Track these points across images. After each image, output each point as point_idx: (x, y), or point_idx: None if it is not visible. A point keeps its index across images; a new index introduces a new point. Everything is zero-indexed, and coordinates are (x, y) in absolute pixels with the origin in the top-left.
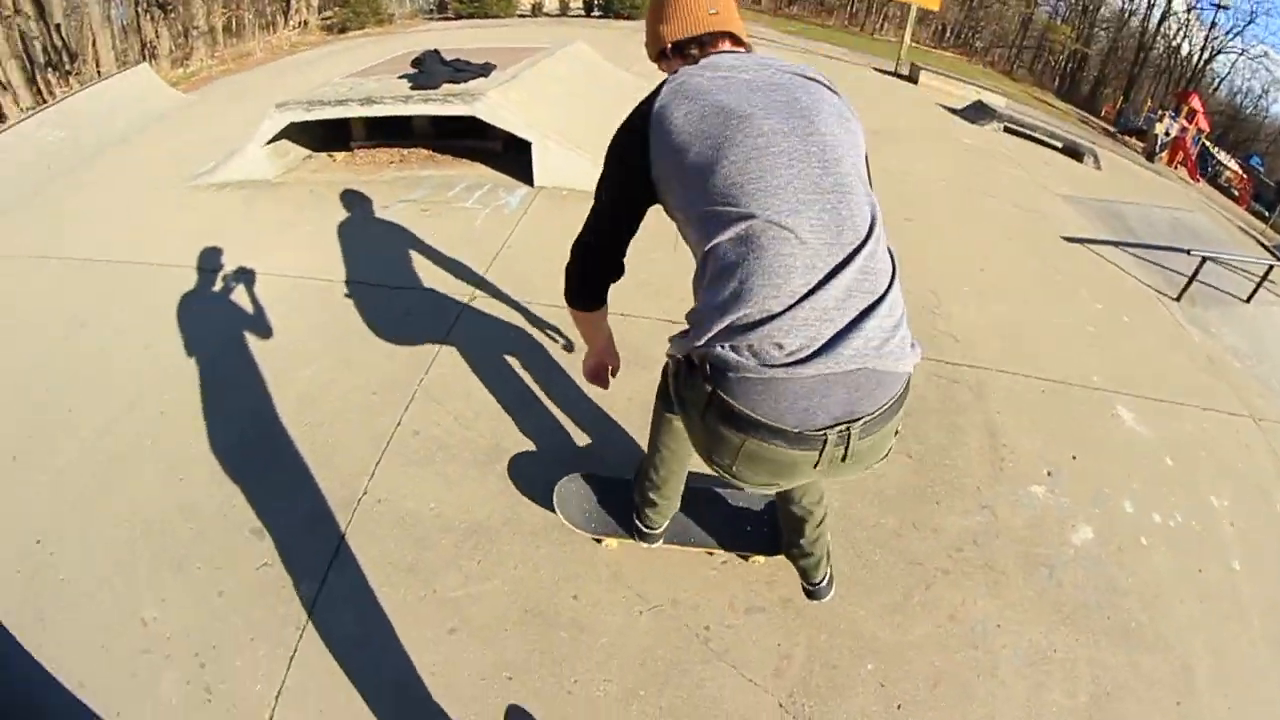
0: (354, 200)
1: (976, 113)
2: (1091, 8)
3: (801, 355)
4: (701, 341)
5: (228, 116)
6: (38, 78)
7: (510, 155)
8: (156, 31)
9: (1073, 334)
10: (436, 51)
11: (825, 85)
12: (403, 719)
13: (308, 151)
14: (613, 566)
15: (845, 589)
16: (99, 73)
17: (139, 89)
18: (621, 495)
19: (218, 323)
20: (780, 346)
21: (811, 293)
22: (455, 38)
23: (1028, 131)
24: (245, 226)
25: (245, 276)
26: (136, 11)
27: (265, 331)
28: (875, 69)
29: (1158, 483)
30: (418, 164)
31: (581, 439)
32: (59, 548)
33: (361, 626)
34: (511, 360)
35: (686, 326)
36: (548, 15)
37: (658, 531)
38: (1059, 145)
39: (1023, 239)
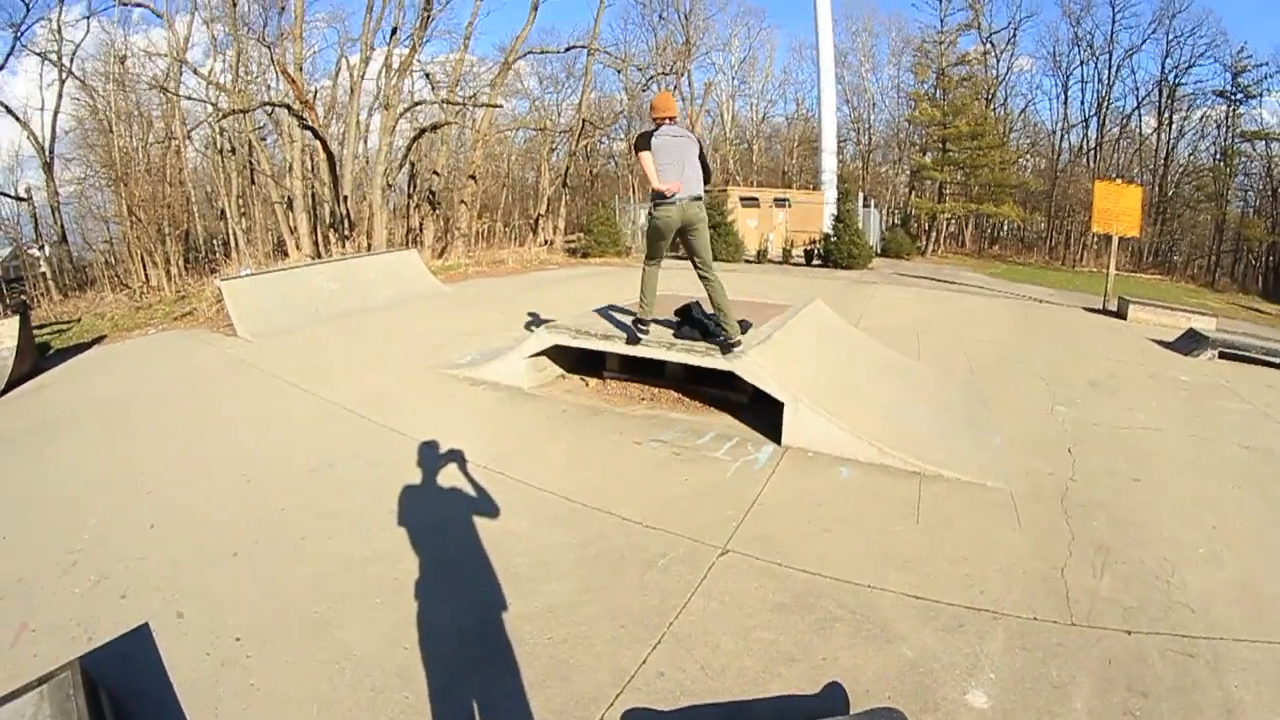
0: (607, 429)
1: (1189, 343)
2: None
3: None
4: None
5: (480, 315)
6: (319, 232)
7: (756, 408)
8: (422, 224)
9: None
10: (699, 304)
11: (689, 137)
12: None
13: (561, 371)
14: None
15: None
16: (369, 245)
17: (407, 269)
18: None
19: (465, 512)
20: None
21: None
22: (689, 279)
23: (1243, 353)
24: (499, 428)
25: (496, 476)
26: (409, 202)
27: (514, 536)
28: (1084, 309)
29: None
30: (667, 405)
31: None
32: (257, 654)
33: None
34: (763, 621)
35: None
36: (771, 262)
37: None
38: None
39: (1252, 484)
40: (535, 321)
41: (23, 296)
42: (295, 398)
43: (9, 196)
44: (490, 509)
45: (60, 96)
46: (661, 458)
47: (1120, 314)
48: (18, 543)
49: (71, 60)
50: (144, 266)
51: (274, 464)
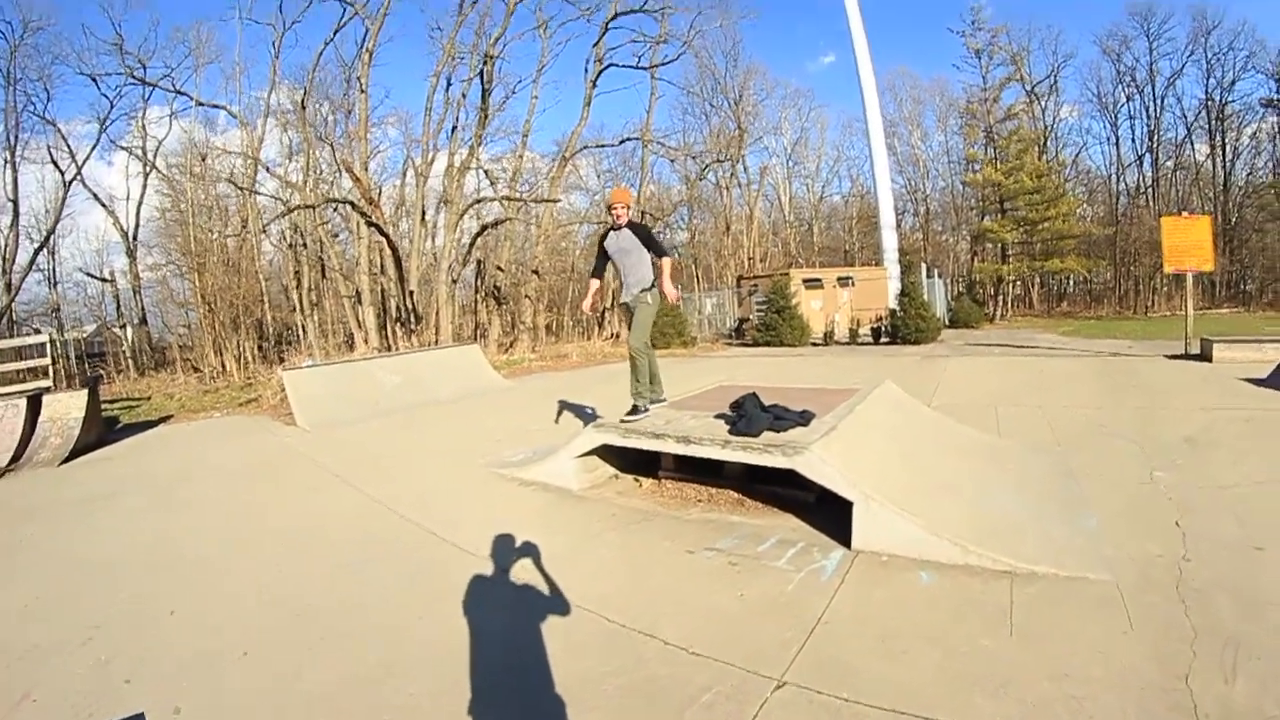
0: (658, 537)
1: None
2: None
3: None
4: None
5: (539, 411)
6: (387, 326)
7: (823, 507)
8: (489, 319)
9: None
10: (755, 395)
11: (630, 231)
12: None
13: (614, 471)
14: None
15: None
16: (436, 339)
17: (468, 364)
18: None
19: (490, 630)
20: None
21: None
22: (755, 366)
23: None
24: (542, 534)
25: (532, 589)
26: (476, 297)
27: (540, 661)
28: (1165, 357)
29: None
30: (726, 507)
31: None
32: None
33: None
34: None
35: (647, 285)
36: (839, 344)
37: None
38: None
39: None
40: (589, 418)
41: (93, 371)
42: (339, 492)
43: (95, 278)
44: (519, 628)
45: (144, 188)
46: (716, 569)
47: (1205, 356)
48: (46, 608)
49: (155, 155)
50: (216, 352)
51: (304, 559)
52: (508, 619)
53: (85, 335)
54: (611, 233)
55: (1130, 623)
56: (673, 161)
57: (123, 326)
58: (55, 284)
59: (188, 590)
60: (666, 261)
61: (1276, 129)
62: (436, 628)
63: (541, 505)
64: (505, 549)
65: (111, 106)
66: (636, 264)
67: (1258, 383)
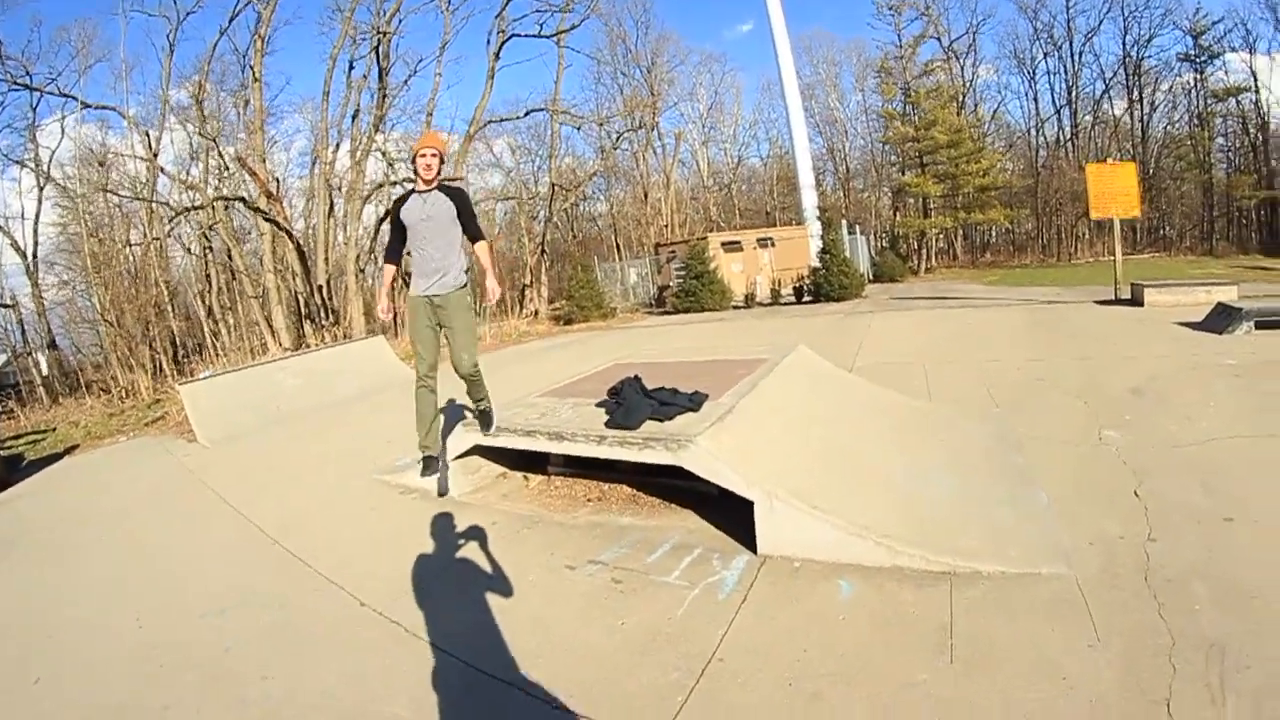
0: (537, 549)
1: (1221, 319)
2: (1260, 142)
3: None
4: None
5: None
6: (302, 325)
7: (728, 502)
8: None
9: None
10: (637, 379)
11: (442, 194)
12: None
13: (501, 469)
14: None
15: None
16: (349, 333)
17: (373, 358)
18: None
19: (338, 685)
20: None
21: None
22: (671, 335)
23: None
24: (412, 553)
25: (390, 627)
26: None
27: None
28: (1096, 302)
29: None
30: (618, 505)
31: None
32: None
33: None
34: None
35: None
36: (760, 305)
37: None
38: None
39: None
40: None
41: None
42: (221, 519)
43: None
44: (370, 680)
45: (39, 202)
46: (596, 589)
47: (1136, 300)
48: None
49: (49, 166)
50: (126, 370)
51: (171, 605)
52: (353, 671)
53: None
54: (414, 196)
55: (1096, 633)
56: (578, 129)
57: (29, 354)
58: None
59: (51, 655)
60: (483, 247)
61: (1193, 84)
62: (279, 690)
63: (419, 516)
64: (371, 575)
65: None
66: (448, 242)
67: (1194, 326)
